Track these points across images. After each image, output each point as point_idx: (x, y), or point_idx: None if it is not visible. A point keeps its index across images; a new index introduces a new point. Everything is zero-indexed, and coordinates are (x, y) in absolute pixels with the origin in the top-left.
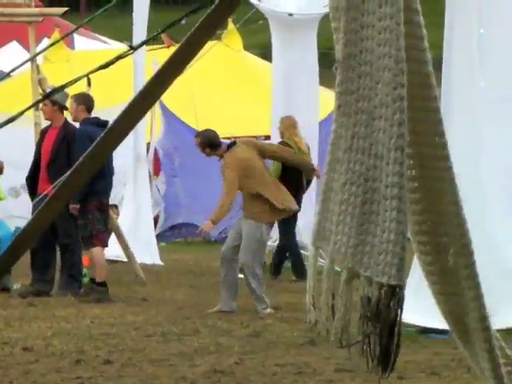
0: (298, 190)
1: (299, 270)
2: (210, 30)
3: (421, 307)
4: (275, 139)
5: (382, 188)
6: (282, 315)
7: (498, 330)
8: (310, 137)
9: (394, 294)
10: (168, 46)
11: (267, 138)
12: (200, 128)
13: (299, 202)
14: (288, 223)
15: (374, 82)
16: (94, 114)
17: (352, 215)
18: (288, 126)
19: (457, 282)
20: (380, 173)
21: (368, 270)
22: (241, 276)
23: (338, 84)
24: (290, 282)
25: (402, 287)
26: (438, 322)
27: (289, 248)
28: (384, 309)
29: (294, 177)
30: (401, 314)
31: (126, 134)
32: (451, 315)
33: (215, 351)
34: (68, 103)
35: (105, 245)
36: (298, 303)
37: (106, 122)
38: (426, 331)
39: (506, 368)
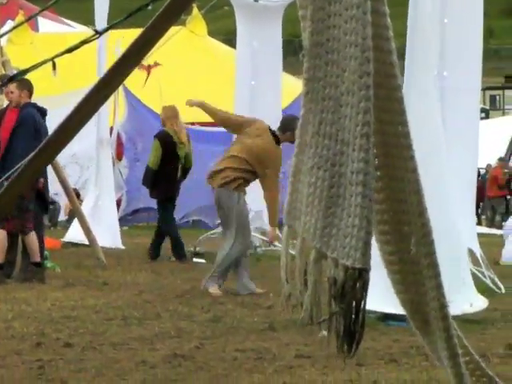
0: (173, 180)
1: (178, 253)
2: (174, 15)
3: (380, 294)
4: None
5: (348, 173)
6: (242, 300)
7: (453, 318)
8: (273, 123)
9: (359, 277)
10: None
11: None
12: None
13: (177, 190)
14: (166, 208)
15: (340, 70)
16: (57, 97)
17: (320, 198)
18: (169, 116)
19: (417, 272)
20: (346, 159)
21: (335, 252)
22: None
23: (305, 71)
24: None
25: (366, 270)
26: (398, 308)
27: (167, 232)
28: (349, 291)
29: (170, 166)
30: (365, 297)
31: (88, 119)
32: (411, 304)
33: (176, 336)
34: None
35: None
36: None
37: (43, 109)
38: (385, 318)
39: (464, 358)
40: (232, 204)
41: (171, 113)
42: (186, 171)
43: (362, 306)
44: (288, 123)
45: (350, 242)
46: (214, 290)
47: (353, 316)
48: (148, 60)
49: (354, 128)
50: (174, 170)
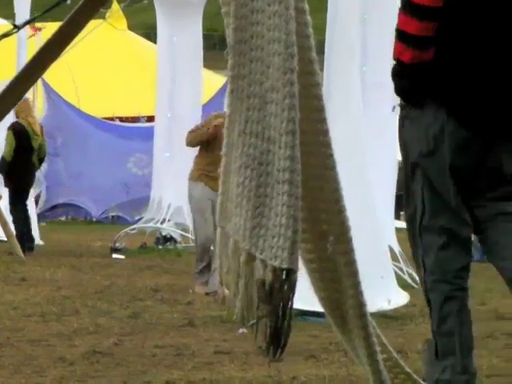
0: (28, 170)
1: (23, 244)
2: (94, 8)
3: (299, 290)
4: (161, 120)
5: (274, 172)
6: (161, 297)
7: (371, 315)
8: (194, 118)
9: (287, 278)
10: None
11: (150, 118)
12: (82, 107)
13: (32, 179)
14: (18, 197)
15: (265, 67)
16: None
17: (248, 198)
18: (23, 108)
19: (335, 270)
20: (273, 157)
21: (263, 253)
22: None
23: (230, 68)
24: (170, 263)
25: (294, 271)
26: (316, 305)
27: (14, 221)
28: (276, 292)
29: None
30: (293, 298)
31: (6, 113)
32: (329, 302)
33: (94, 332)
34: None
35: None
36: (178, 285)
37: None
38: (303, 314)
39: (382, 355)
40: None
41: (25, 106)
42: (41, 161)
43: (289, 307)
44: None
45: (277, 242)
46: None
47: (280, 318)
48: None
49: (280, 125)
50: (28, 161)
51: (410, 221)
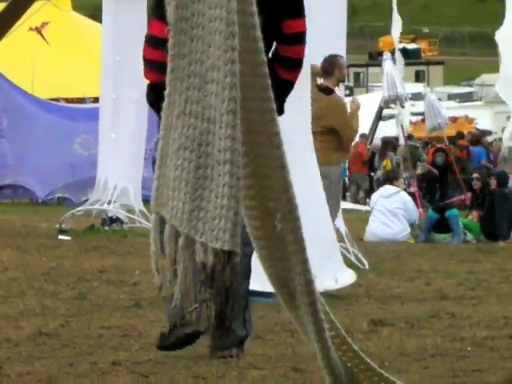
0: None
1: None
2: None
3: None
4: (106, 101)
5: (215, 153)
6: (108, 278)
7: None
8: (138, 99)
9: (229, 260)
10: None
11: (96, 99)
12: (27, 88)
13: None
14: None
15: (206, 45)
16: None
17: (186, 181)
18: None
19: (283, 247)
20: (213, 137)
21: (203, 236)
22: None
23: (170, 47)
24: (117, 245)
25: (236, 253)
26: (263, 285)
27: None
28: (219, 275)
29: None
30: (235, 280)
31: None
32: (278, 280)
33: (40, 313)
34: None
35: None
36: (124, 266)
37: None
38: (250, 295)
39: (330, 332)
40: None
41: None
42: None
43: (232, 289)
44: (328, 63)
45: (218, 224)
46: None
47: (223, 300)
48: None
49: (221, 104)
50: None
51: None
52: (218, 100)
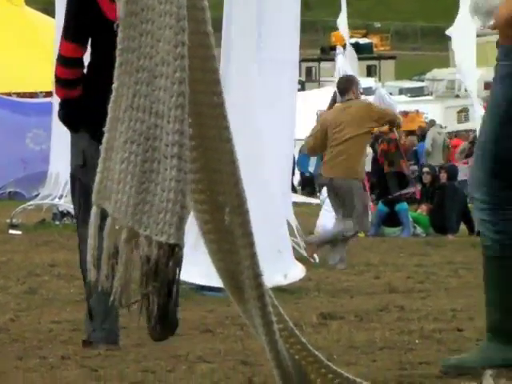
0: None
1: None
2: None
3: (196, 265)
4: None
5: (162, 147)
6: (58, 272)
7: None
8: None
9: (173, 254)
10: None
11: (48, 93)
12: None
13: None
14: None
15: (155, 40)
16: None
17: (132, 174)
18: None
19: (232, 241)
20: (160, 131)
21: (148, 229)
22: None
23: (119, 42)
24: (67, 239)
25: (180, 246)
26: (213, 279)
27: None
28: (163, 268)
29: None
30: (179, 274)
31: None
32: (227, 273)
33: None
34: None
35: None
36: (75, 260)
37: None
38: (200, 289)
39: (278, 325)
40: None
41: None
42: None
43: (175, 283)
44: (344, 83)
45: (164, 218)
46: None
47: (166, 294)
48: None
49: (169, 99)
50: None
51: None
52: (166, 94)
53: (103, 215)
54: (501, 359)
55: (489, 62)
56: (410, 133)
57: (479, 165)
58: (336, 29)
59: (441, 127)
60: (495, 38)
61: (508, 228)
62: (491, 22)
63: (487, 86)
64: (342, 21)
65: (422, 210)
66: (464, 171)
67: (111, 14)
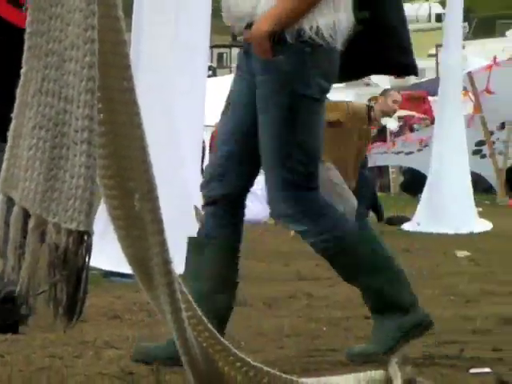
0: None
1: None
2: None
3: (105, 251)
4: None
5: (71, 132)
6: None
7: (179, 275)
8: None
9: (83, 241)
10: None
11: None
12: None
13: None
14: None
15: (64, 24)
16: None
17: (41, 161)
18: None
19: (142, 227)
20: (70, 117)
21: (56, 217)
22: None
23: (28, 25)
24: None
25: (90, 234)
26: (122, 265)
27: None
28: (72, 256)
29: None
30: (88, 261)
31: None
32: (136, 260)
33: None
34: None
35: None
36: None
37: None
38: (109, 275)
39: (187, 313)
40: None
41: None
42: None
43: (84, 270)
44: None
45: (73, 205)
46: None
47: (75, 282)
48: None
49: (79, 83)
50: None
51: None
52: (76, 79)
53: (10, 204)
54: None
55: None
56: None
57: None
58: None
59: None
60: (417, 25)
61: None
62: (242, 29)
63: None
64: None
65: None
66: (372, 159)
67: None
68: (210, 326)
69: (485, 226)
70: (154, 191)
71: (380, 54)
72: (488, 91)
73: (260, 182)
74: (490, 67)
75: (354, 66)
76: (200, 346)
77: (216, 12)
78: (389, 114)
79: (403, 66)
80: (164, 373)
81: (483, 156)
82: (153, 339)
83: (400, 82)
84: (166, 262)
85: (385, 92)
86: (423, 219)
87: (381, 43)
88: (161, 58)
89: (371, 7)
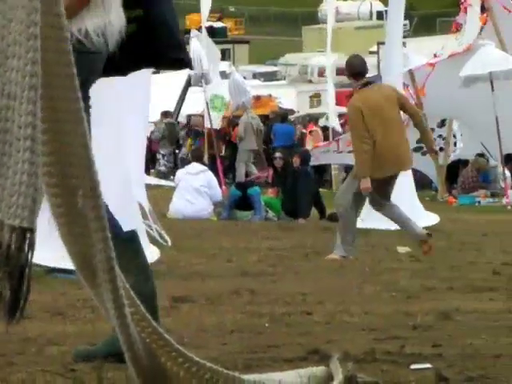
0: None
1: None
2: None
3: (49, 247)
4: None
5: (14, 128)
6: None
7: None
8: None
9: (26, 238)
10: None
11: None
12: None
13: None
14: None
15: (7, 21)
16: None
17: None
18: None
19: (85, 224)
20: (13, 113)
21: None
22: None
23: None
24: None
25: (33, 230)
26: (65, 262)
27: None
28: (15, 253)
29: None
30: (31, 258)
31: None
32: (79, 257)
33: None
34: None
35: None
36: None
37: None
38: (52, 271)
39: (130, 309)
40: None
41: None
42: None
43: (27, 267)
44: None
45: (16, 201)
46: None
47: (18, 279)
48: None
49: (22, 80)
50: None
51: None
52: (18, 76)
53: None
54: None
55: (339, 49)
56: (264, 117)
57: None
58: (190, 12)
59: (252, 117)
60: (346, 24)
61: None
62: None
63: (340, 71)
64: (205, 4)
65: (270, 193)
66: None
67: None
68: (153, 322)
69: (428, 221)
70: (97, 188)
71: (154, 50)
72: (422, 93)
73: (202, 180)
74: (432, 65)
75: (127, 62)
76: (143, 341)
77: None
78: None
79: (175, 60)
80: (106, 369)
81: (424, 153)
82: (96, 335)
83: (342, 78)
84: (109, 259)
85: None
86: (366, 215)
87: (154, 40)
88: None
89: (144, 4)
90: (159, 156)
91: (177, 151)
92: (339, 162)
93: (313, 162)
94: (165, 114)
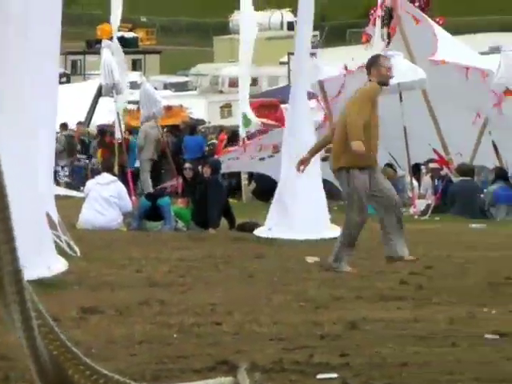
0: None
1: None
2: None
3: None
4: None
5: None
6: None
7: (30, 282)
8: None
9: None
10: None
11: None
12: None
13: None
14: None
15: None
16: None
17: None
18: None
19: None
20: None
21: None
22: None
23: None
24: None
25: None
26: None
27: None
28: None
29: None
30: None
31: None
32: None
33: None
34: None
35: None
36: None
37: None
38: None
39: (37, 321)
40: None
41: None
42: None
43: None
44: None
45: None
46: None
47: None
48: None
49: None
50: None
51: None
52: None
53: None
54: None
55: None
56: (174, 127)
57: None
58: (102, 22)
59: (151, 126)
60: (258, 34)
61: None
62: None
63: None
64: (115, 14)
65: (180, 203)
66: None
67: None
68: (60, 334)
69: (335, 232)
70: (5, 199)
71: None
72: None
73: (112, 190)
74: (343, 76)
75: None
76: (50, 354)
77: (70, 19)
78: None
79: None
80: (15, 381)
81: None
82: (2, 348)
83: (253, 89)
84: (17, 271)
85: None
86: (274, 225)
87: None
88: (11, 68)
89: None
90: (58, 168)
91: (75, 163)
92: (250, 169)
93: (224, 169)
94: (63, 126)
